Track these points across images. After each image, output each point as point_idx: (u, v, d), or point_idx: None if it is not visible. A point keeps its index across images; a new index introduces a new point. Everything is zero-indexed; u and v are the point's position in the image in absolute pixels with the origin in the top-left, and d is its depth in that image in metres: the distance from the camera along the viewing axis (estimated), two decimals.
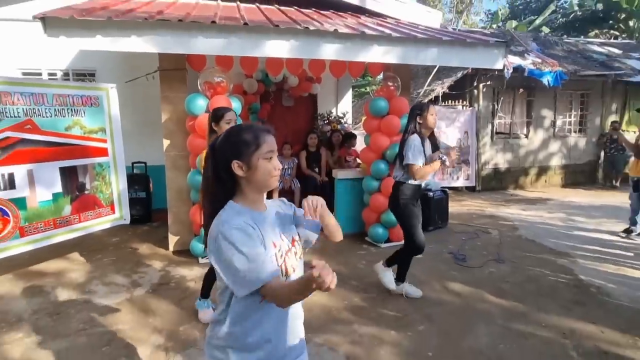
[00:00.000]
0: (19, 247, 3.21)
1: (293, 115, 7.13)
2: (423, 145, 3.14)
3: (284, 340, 1.26)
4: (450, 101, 8.23)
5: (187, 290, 3.55)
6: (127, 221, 4.10)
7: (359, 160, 5.73)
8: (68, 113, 3.45)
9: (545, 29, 16.62)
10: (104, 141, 3.76)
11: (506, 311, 3.12)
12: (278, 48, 3.76)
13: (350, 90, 7.99)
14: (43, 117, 3.27)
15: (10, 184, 3.10)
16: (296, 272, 1.29)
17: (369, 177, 4.76)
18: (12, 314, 3.15)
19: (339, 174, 5.11)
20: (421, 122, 3.16)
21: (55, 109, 3.35)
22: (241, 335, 1.20)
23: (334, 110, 7.42)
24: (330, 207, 5.22)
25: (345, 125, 7.16)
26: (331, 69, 4.96)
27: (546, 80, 7.90)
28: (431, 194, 5.36)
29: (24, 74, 5.55)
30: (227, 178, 1.21)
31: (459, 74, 8.06)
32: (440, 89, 8.11)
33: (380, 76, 5.47)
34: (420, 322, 2.99)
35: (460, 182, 8.45)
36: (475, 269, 3.99)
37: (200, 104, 3.95)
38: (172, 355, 2.61)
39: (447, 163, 3.17)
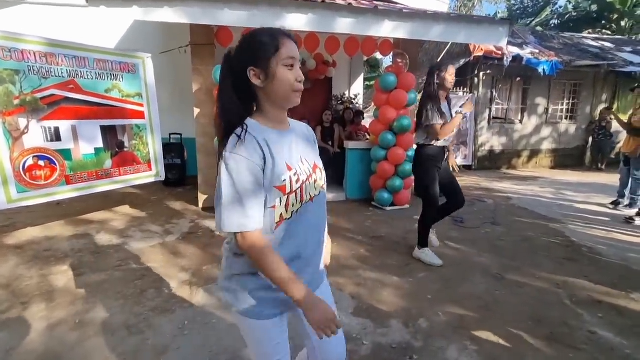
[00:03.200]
0: (64, 193, 3.10)
1: (311, 96, 6.82)
2: (441, 106, 2.71)
3: (306, 263, 1.02)
4: (461, 105, 7.78)
5: (212, 239, 3.42)
6: (162, 178, 3.97)
7: (367, 136, 5.45)
8: (107, 77, 3.28)
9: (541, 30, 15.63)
10: (141, 105, 3.59)
11: (502, 265, 2.87)
12: (297, 21, 3.49)
13: (362, 75, 7.63)
14: (85, 78, 3.12)
15: (56, 136, 2.98)
16: (314, 201, 1.01)
17: (376, 146, 4.49)
18: (60, 251, 3.07)
19: (350, 144, 4.84)
20: (439, 82, 2.69)
21: (96, 72, 3.18)
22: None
23: (347, 92, 7.11)
24: (342, 175, 5.06)
25: (357, 105, 6.85)
26: (345, 48, 4.65)
27: (542, 68, 7.35)
28: None
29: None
30: (244, 90, 0.93)
31: (461, 62, 7.57)
32: None
33: None
34: (421, 270, 2.77)
35: (459, 161, 8.07)
36: (472, 230, 3.72)
37: None
38: (195, 288, 2.48)
39: (467, 114, 2.79)
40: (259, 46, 0.90)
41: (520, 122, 8.45)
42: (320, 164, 1.07)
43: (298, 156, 0.98)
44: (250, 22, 3.43)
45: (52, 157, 2.95)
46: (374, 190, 4.63)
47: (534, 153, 8.67)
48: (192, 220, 3.97)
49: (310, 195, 0.99)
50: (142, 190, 5.24)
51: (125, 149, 3.51)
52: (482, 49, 7.27)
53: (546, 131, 8.64)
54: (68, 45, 2.98)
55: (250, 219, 0.89)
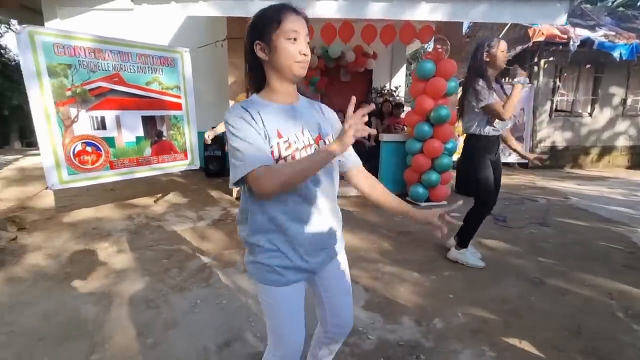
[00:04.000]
0: (108, 177, 3.40)
1: (350, 89, 6.74)
2: (491, 87, 2.31)
3: (291, 240, 1.03)
4: (507, 78, 7.14)
5: None
6: (197, 166, 4.17)
7: (405, 129, 5.21)
8: (148, 70, 3.52)
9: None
10: (179, 97, 3.81)
11: (543, 268, 2.55)
12: (328, 8, 3.43)
13: (405, 66, 7.32)
14: (128, 72, 3.38)
15: (102, 125, 3.27)
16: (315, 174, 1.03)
17: (412, 139, 4.27)
18: (105, 230, 3.37)
19: (384, 137, 4.67)
20: (489, 59, 2.31)
21: (138, 66, 3.44)
22: (259, 213, 1.03)
23: (387, 85, 6.87)
24: (377, 170, 4.90)
25: (397, 98, 6.59)
26: (381, 36, 4.48)
27: (618, 53, 6.43)
28: None
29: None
30: (255, 67, 1.01)
31: (518, 49, 6.90)
32: None
33: None
34: (447, 268, 2.56)
35: (512, 158, 7.40)
36: (515, 229, 3.37)
37: None
38: (214, 270, 2.57)
39: (525, 82, 2.33)
40: (263, 21, 0.96)
41: (590, 114, 7.50)
42: (328, 138, 1.08)
43: (299, 127, 1.02)
44: None
45: (98, 144, 3.25)
46: (408, 185, 4.41)
47: (607, 150, 7.64)
48: (224, 208, 4.12)
49: None
50: (185, 179, 5.59)
51: (164, 138, 3.75)
52: (542, 34, 6.56)
53: (622, 125, 7.56)
54: (113, 41, 3.25)
55: (256, 159, 0.92)
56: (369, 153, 5.20)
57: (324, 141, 1.07)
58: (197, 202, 4.34)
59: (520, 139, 7.21)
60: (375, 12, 3.45)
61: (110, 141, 3.33)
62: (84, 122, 3.14)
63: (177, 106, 3.81)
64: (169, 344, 1.78)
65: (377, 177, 4.98)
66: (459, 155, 4.64)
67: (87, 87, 3.13)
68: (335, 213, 1.14)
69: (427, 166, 4.14)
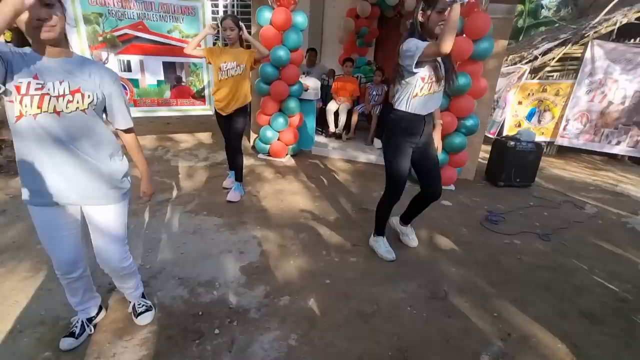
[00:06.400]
0: (132, 114, 4.07)
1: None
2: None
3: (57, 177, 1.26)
4: (636, 38, 5.19)
5: (224, 172, 3.83)
6: (213, 112, 4.56)
7: None
8: (170, 19, 3.89)
9: None
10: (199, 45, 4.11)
11: (469, 283, 2.15)
12: None
13: None
14: (151, 20, 3.81)
15: (128, 68, 3.87)
16: (62, 116, 1.20)
17: None
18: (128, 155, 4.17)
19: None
20: (422, 20, 1.90)
21: (160, 15, 3.83)
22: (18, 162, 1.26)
23: None
24: None
25: None
26: None
27: None
28: (512, 143, 3.81)
29: None
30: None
31: None
32: (620, 17, 5.14)
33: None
34: (359, 255, 2.40)
35: (621, 149, 5.69)
36: (497, 234, 2.80)
37: (266, 16, 3.76)
38: (169, 205, 2.99)
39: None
40: None
41: None
42: (88, 92, 1.23)
43: (59, 77, 1.18)
44: None
45: (124, 84, 3.89)
46: None
47: None
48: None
49: (54, 108, 1.18)
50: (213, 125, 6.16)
51: (183, 84, 4.20)
52: None
53: None
54: None
55: None
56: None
57: (82, 95, 1.21)
58: (215, 145, 4.84)
59: (638, 123, 5.41)
60: None
61: (134, 82, 3.95)
62: (113, 64, 3.78)
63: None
64: None
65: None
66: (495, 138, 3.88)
67: (116, 33, 3.69)
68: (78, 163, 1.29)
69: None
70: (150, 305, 1.76)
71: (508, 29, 3.60)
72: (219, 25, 2.83)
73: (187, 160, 4.16)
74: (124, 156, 1.51)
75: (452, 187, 3.77)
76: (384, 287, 2.07)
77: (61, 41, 1.20)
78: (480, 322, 1.82)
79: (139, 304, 1.71)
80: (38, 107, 1.16)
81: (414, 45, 1.88)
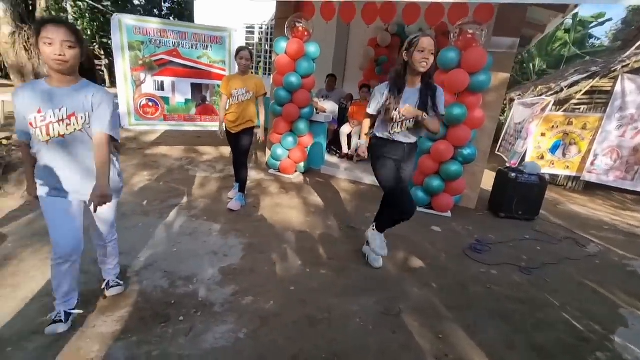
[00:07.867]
0: (162, 126, 4.64)
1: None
2: (403, 90, 2.20)
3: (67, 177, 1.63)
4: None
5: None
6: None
7: None
8: (200, 47, 4.44)
9: None
10: (224, 70, 4.63)
11: (426, 303, 2.23)
12: None
13: None
14: (184, 48, 4.38)
15: (161, 87, 4.44)
16: (66, 138, 1.56)
17: (421, 137, 3.83)
18: (158, 164, 4.70)
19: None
20: (407, 59, 2.14)
21: (192, 43, 4.39)
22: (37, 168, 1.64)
23: None
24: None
25: None
26: (426, 17, 3.98)
27: None
28: (514, 174, 3.78)
29: (247, 25, 7.27)
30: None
31: None
32: None
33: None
34: (341, 269, 2.56)
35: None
36: (477, 263, 2.82)
37: (282, 45, 4.17)
38: (180, 210, 3.38)
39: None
40: (35, 29, 1.47)
41: None
42: (81, 114, 1.56)
43: (60, 104, 1.51)
44: None
45: (157, 101, 4.46)
46: (414, 183, 4.05)
47: None
48: None
49: (59, 133, 1.54)
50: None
51: (207, 103, 4.71)
52: None
53: None
54: (175, 23, 4.26)
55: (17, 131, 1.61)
56: None
57: (77, 117, 1.54)
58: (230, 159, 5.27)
59: None
60: None
61: (166, 100, 4.51)
62: (149, 84, 4.37)
63: (221, 77, 4.64)
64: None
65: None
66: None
67: (154, 58, 4.30)
68: (89, 173, 1.65)
69: (432, 170, 3.71)
70: (122, 283, 2.10)
71: (510, 62, 3.66)
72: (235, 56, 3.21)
73: (204, 171, 4.60)
74: (118, 162, 1.86)
75: (448, 214, 3.80)
76: (341, 299, 2.22)
77: (72, 72, 1.55)
78: (422, 340, 1.91)
79: (113, 281, 2.08)
80: (47, 135, 1.54)
81: (370, 102, 2.33)
